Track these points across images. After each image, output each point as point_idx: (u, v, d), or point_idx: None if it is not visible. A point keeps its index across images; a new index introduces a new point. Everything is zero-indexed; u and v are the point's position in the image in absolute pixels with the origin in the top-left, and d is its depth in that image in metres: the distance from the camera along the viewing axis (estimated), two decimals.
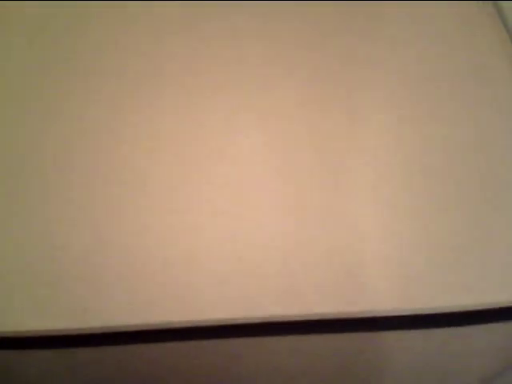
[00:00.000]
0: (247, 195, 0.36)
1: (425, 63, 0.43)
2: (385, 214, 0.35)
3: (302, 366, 0.40)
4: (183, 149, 0.38)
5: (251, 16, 0.45)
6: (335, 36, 0.44)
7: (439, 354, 0.39)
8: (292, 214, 0.35)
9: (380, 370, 0.41)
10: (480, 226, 0.35)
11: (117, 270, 0.33)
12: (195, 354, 0.37)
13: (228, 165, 0.37)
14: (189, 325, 0.32)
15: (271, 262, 0.34)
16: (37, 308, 0.32)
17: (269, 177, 0.37)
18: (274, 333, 0.34)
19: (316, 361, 0.39)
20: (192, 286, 0.33)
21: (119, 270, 0.33)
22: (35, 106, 0.40)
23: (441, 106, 0.40)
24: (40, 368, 0.38)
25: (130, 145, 0.38)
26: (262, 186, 0.37)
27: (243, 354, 0.38)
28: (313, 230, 0.35)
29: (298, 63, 0.42)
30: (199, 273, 0.33)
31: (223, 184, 0.37)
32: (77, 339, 0.33)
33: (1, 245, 0.34)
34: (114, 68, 0.42)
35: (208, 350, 0.37)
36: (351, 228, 0.35)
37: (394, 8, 0.46)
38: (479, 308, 0.33)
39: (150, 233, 0.35)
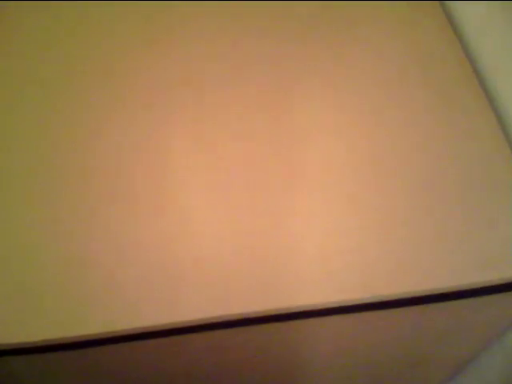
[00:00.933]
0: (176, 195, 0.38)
1: (373, 60, 0.45)
2: (331, 210, 0.38)
3: (252, 357, 0.42)
4: (149, 158, 0.40)
5: (213, 14, 0.47)
6: (296, 34, 0.46)
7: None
8: (233, 214, 0.37)
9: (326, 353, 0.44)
10: (428, 216, 0.38)
11: (96, 278, 0.35)
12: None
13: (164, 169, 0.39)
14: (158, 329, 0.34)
15: (215, 260, 0.36)
16: (23, 319, 0.34)
17: (204, 177, 0.39)
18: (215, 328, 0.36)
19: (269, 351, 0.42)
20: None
21: (98, 278, 0.35)
22: (28, 108, 0.42)
23: (385, 101, 0.43)
24: (30, 371, 0.39)
25: (108, 150, 0.40)
26: (196, 186, 0.38)
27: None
28: (256, 228, 0.37)
29: (259, 60, 0.45)
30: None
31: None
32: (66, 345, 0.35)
33: None
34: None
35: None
36: (298, 225, 0.37)
37: (338, 9, 0.48)
38: (427, 293, 0.36)
39: (129, 240, 0.36)
